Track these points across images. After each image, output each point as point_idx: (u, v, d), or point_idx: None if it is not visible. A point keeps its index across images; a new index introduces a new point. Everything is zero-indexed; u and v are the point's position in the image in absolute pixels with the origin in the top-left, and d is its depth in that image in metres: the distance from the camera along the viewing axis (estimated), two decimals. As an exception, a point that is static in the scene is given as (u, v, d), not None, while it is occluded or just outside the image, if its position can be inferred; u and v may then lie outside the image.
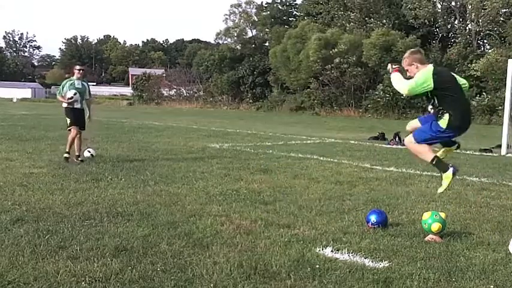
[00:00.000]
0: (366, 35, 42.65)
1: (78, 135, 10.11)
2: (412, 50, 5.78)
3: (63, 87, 10.15)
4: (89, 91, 10.55)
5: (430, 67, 5.49)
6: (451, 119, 5.36)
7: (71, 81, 10.16)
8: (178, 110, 45.16)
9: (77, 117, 10.14)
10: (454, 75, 5.65)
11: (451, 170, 5.44)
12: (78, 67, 10.40)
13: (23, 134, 15.35)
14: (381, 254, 4.62)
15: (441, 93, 5.39)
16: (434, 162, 5.51)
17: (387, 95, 39.55)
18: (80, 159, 9.96)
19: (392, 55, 40.10)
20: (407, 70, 5.64)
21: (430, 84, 5.33)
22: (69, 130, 10.14)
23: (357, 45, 41.93)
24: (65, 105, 10.13)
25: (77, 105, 10.15)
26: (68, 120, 10.14)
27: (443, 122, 5.39)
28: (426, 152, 5.55)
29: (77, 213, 5.81)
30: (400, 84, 5.50)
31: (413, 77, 5.47)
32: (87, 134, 11.29)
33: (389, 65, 5.76)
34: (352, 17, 45.83)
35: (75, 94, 10.03)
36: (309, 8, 53.87)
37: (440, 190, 5.63)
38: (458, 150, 6.25)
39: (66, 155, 9.98)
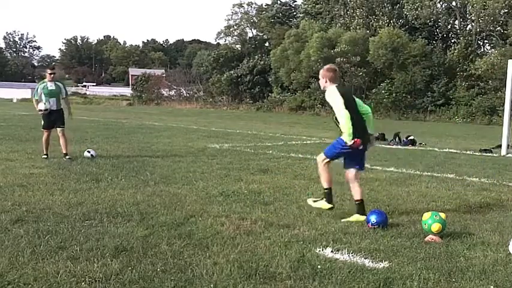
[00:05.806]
0: (370, 33, 42.61)
1: (62, 134, 10.49)
2: (328, 67, 6.06)
3: (37, 90, 10.60)
4: (65, 91, 10.94)
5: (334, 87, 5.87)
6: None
7: (44, 84, 10.56)
8: (178, 111, 45.12)
9: (50, 120, 10.55)
10: (355, 98, 6.00)
11: (329, 206, 5.99)
12: (49, 71, 10.83)
13: (23, 135, 15.33)
14: (381, 255, 4.62)
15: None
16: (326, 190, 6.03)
17: (388, 95, 39.58)
18: (67, 157, 10.31)
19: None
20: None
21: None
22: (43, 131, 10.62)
23: (358, 43, 41.85)
24: (41, 107, 10.49)
25: (53, 107, 10.55)
26: (42, 122, 10.67)
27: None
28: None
29: (77, 213, 5.80)
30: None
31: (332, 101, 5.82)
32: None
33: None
34: (357, 13, 45.73)
35: (45, 110, 10.46)
36: (309, 8, 53.91)
37: (313, 204, 6.11)
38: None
39: (44, 156, 10.44)
